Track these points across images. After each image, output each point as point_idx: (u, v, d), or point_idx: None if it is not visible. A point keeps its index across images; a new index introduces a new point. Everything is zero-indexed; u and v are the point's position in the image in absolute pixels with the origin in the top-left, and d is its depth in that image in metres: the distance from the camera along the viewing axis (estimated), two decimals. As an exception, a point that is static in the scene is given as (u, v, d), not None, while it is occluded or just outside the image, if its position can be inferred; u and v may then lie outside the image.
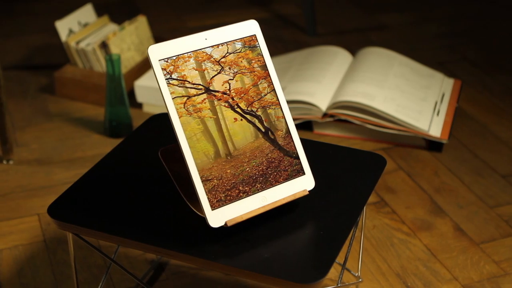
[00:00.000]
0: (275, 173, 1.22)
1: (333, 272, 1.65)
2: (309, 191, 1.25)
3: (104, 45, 2.37)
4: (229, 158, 1.20)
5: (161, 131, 1.50)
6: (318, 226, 1.22)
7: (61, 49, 2.56)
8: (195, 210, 1.22)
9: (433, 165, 2.07)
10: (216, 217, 1.17)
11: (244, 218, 1.18)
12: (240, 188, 1.19)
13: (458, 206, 1.90)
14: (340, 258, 1.62)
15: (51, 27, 2.52)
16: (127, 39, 2.44)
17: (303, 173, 1.25)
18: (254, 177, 1.21)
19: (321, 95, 2.24)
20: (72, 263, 1.34)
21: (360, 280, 1.61)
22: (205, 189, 1.16)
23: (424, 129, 2.13)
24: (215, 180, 1.18)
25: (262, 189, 1.21)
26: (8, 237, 1.78)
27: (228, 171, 1.19)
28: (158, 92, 2.28)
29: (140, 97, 2.34)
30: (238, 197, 1.19)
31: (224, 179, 1.18)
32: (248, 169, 1.21)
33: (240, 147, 1.21)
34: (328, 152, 1.44)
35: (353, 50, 2.61)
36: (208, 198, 1.16)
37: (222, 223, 1.17)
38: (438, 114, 2.22)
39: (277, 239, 1.19)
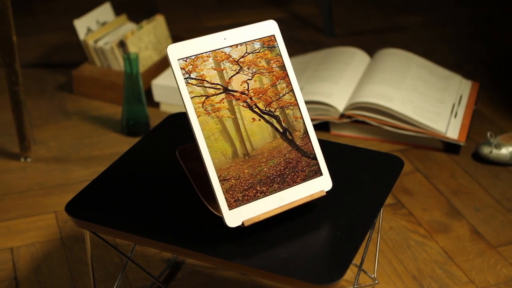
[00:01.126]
0: (292, 174, 1.22)
1: (349, 273, 1.65)
2: (326, 192, 1.25)
3: (122, 44, 2.37)
4: (247, 158, 1.20)
5: (179, 130, 1.50)
6: (335, 227, 1.22)
7: (79, 48, 2.57)
8: (212, 210, 1.22)
9: (450, 167, 2.06)
10: (233, 217, 1.17)
11: (261, 218, 1.18)
12: (258, 188, 1.19)
13: (475, 208, 1.89)
14: (356, 260, 1.62)
15: (70, 25, 2.53)
16: (145, 38, 2.44)
17: (321, 174, 1.25)
18: (271, 177, 1.21)
19: (338, 96, 2.24)
20: (89, 261, 1.34)
21: (376, 281, 1.61)
22: (222, 189, 1.16)
23: (442, 131, 2.12)
24: (233, 180, 1.18)
25: (280, 189, 1.21)
26: (26, 234, 1.78)
27: (246, 171, 1.19)
28: (175, 91, 2.28)
29: (157, 96, 2.34)
30: (255, 197, 1.19)
31: (242, 179, 1.18)
32: (265, 169, 1.21)
33: (258, 147, 1.21)
34: (345, 153, 1.44)
35: (371, 51, 2.60)
36: (225, 198, 1.16)
37: (239, 223, 1.17)
38: (455, 116, 2.22)
39: (294, 240, 1.19)
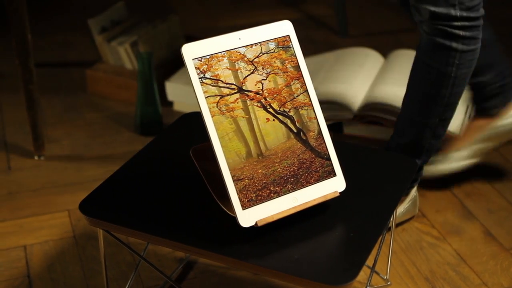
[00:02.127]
0: (306, 174, 1.22)
1: (361, 274, 1.64)
2: (340, 193, 1.25)
3: (136, 44, 2.38)
4: (260, 158, 1.20)
5: (193, 130, 1.51)
6: (349, 228, 1.22)
7: (93, 47, 2.58)
8: (225, 210, 1.22)
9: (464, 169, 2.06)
10: (247, 217, 1.17)
11: (275, 218, 1.18)
12: (271, 188, 1.19)
13: (489, 211, 1.89)
14: (369, 261, 1.62)
15: (84, 24, 2.53)
16: (159, 37, 2.44)
17: (334, 175, 1.24)
18: (285, 178, 1.21)
19: (352, 96, 2.23)
20: (102, 259, 1.35)
21: (389, 283, 1.61)
22: (236, 189, 1.16)
23: (455, 132, 2.11)
24: (247, 180, 1.18)
25: (293, 189, 1.21)
26: (39, 232, 1.79)
27: (260, 171, 1.19)
28: (188, 91, 2.29)
29: (170, 95, 2.35)
30: (269, 197, 1.19)
31: (256, 179, 1.18)
32: (279, 169, 1.21)
33: (271, 147, 1.21)
34: (359, 154, 1.44)
35: (385, 52, 2.60)
36: (239, 198, 1.16)
37: (253, 223, 1.17)
38: (469, 118, 2.21)
39: (307, 240, 1.19)
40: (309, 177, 1.22)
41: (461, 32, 1.59)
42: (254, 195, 1.18)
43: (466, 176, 2.02)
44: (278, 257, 1.16)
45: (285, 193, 1.20)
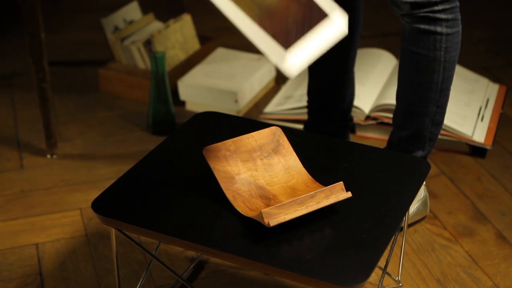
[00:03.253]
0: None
1: (373, 275, 1.64)
2: (352, 194, 1.25)
3: (148, 43, 2.38)
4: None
5: (205, 130, 1.51)
6: (360, 229, 1.22)
7: (106, 46, 2.58)
8: (238, 209, 1.22)
9: (476, 171, 2.05)
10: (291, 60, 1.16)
11: (287, 219, 1.18)
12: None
13: (501, 213, 1.88)
14: (380, 262, 1.61)
15: (97, 23, 2.54)
16: (171, 37, 2.45)
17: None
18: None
19: (364, 97, 2.23)
20: (114, 258, 1.35)
21: (401, 284, 1.61)
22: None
23: (468, 134, 2.11)
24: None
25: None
26: (51, 231, 1.80)
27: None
28: (201, 90, 2.29)
29: (183, 95, 2.35)
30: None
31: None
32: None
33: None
34: (371, 155, 1.44)
35: (397, 53, 2.59)
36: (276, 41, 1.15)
37: (298, 69, 1.15)
38: (482, 119, 2.20)
39: (319, 241, 1.19)
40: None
41: (443, 15, 1.60)
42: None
43: (478, 178, 2.01)
44: (289, 257, 1.16)
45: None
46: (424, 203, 1.79)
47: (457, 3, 1.62)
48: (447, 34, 1.61)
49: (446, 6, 1.59)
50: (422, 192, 1.78)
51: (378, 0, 3.28)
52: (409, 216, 1.76)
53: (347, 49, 1.87)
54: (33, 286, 1.63)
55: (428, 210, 1.82)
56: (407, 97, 1.71)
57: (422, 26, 1.61)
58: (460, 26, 1.64)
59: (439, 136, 2.12)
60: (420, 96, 1.68)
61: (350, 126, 1.98)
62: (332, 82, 1.90)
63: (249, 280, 1.65)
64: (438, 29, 1.60)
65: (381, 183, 1.34)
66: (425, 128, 1.71)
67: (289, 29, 1.16)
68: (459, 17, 1.64)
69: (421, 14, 1.60)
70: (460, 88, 2.33)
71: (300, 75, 2.38)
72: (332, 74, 1.89)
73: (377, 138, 2.21)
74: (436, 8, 1.58)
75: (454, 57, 1.65)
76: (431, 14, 1.59)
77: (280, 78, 2.51)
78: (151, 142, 2.15)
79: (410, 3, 1.58)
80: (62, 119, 2.29)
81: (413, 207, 1.77)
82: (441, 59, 1.63)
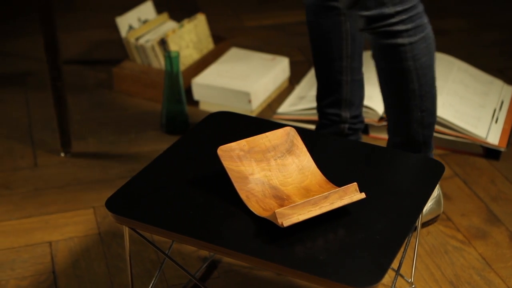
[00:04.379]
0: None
1: (386, 277, 1.64)
2: (366, 195, 1.24)
3: (163, 42, 2.38)
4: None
5: (219, 129, 1.51)
6: (374, 231, 1.22)
7: (120, 45, 2.59)
8: (251, 210, 1.22)
9: (490, 173, 2.04)
10: None
11: (300, 219, 1.18)
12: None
13: (515, 215, 1.88)
14: (394, 263, 1.61)
15: (111, 22, 2.55)
16: (186, 37, 2.45)
17: None
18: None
19: (378, 98, 2.23)
20: (127, 257, 1.35)
21: (413, 286, 1.60)
22: None
23: (482, 136, 2.10)
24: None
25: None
26: (64, 229, 1.80)
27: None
28: (215, 90, 2.29)
29: (197, 94, 2.35)
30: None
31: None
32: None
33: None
34: (385, 156, 1.43)
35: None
36: None
37: None
38: (496, 121, 2.20)
39: (333, 242, 1.19)
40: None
41: (402, 27, 1.58)
42: None
43: (492, 180, 2.01)
44: (303, 258, 1.16)
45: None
46: (437, 202, 1.78)
47: (418, 10, 1.60)
48: (411, 43, 1.60)
49: (403, 16, 1.57)
50: (436, 191, 1.78)
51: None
52: (423, 215, 1.76)
53: (347, 55, 1.86)
54: (46, 284, 1.63)
55: (442, 209, 1.81)
56: (391, 109, 1.72)
57: (384, 41, 1.60)
58: (427, 31, 1.62)
59: (453, 138, 2.11)
60: (401, 106, 1.68)
61: (361, 128, 1.97)
62: (337, 87, 1.89)
63: (261, 280, 1.65)
64: (399, 40, 1.59)
65: (395, 184, 1.34)
66: (416, 133, 1.71)
67: None
68: (423, 22, 1.61)
69: (380, 30, 1.59)
70: (474, 89, 2.33)
71: (313, 76, 2.37)
72: (336, 80, 1.88)
73: (391, 139, 2.20)
74: (393, 20, 1.57)
75: (426, 62, 1.63)
76: (388, 28, 1.58)
77: (294, 78, 2.51)
78: (165, 142, 2.15)
79: (366, 17, 1.57)
80: (76, 118, 2.30)
81: (427, 206, 1.77)
82: (411, 68, 1.62)
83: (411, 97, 1.65)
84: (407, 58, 1.60)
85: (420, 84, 1.63)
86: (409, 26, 1.58)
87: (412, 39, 1.59)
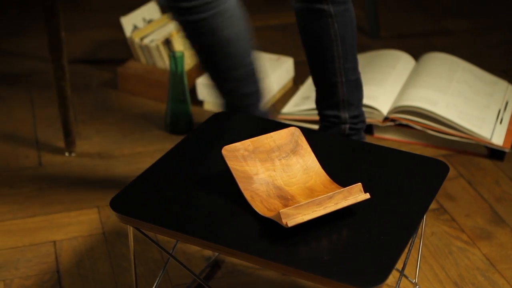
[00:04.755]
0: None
1: (390, 277, 1.63)
2: (370, 195, 1.24)
3: (167, 42, 2.39)
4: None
5: (223, 129, 1.51)
6: (379, 231, 1.22)
7: (125, 45, 2.59)
8: (255, 210, 1.22)
9: (495, 174, 2.04)
10: None
11: (305, 219, 1.18)
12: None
13: (519, 216, 1.87)
14: (398, 264, 1.61)
15: (116, 22, 2.55)
16: (190, 36, 2.45)
17: None
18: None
19: (382, 99, 2.23)
20: (132, 256, 1.35)
21: (418, 287, 1.60)
22: None
23: (487, 137, 2.10)
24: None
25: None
26: (68, 228, 1.80)
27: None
28: (219, 91, 2.30)
29: (201, 94, 2.35)
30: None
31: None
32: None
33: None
34: (389, 157, 1.43)
35: (416, 54, 2.58)
36: None
37: None
38: (501, 122, 2.19)
39: (337, 242, 1.19)
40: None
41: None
42: None
43: (497, 181, 2.00)
44: (307, 258, 1.15)
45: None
46: None
47: None
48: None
49: None
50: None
51: (396, 3, 3.28)
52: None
53: (339, 56, 1.86)
54: (51, 283, 1.63)
55: None
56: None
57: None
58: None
59: (458, 139, 2.11)
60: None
61: (363, 127, 1.97)
62: (333, 89, 1.89)
63: (265, 280, 1.65)
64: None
65: (399, 185, 1.34)
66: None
67: None
68: None
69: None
70: (479, 90, 2.32)
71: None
72: (331, 81, 1.87)
73: (395, 139, 2.20)
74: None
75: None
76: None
77: (298, 79, 2.51)
78: (169, 141, 2.15)
79: None
80: (81, 118, 2.30)
81: None
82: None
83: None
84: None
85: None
86: None
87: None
